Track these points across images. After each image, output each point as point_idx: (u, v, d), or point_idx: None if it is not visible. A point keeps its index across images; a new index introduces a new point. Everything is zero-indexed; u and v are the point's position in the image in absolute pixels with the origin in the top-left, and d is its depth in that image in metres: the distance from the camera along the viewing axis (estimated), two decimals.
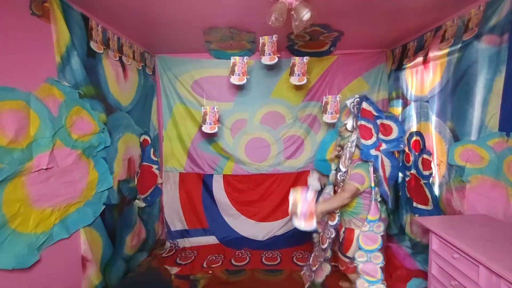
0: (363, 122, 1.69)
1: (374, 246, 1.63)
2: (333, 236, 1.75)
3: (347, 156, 1.71)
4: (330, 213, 1.73)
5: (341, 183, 1.71)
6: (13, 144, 1.22)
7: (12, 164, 1.21)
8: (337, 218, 1.71)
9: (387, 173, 1.75)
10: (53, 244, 1.45)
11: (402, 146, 1.77)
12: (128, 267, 2.12)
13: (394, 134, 1.77)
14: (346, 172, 1.70)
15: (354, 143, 1.70)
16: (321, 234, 1.87)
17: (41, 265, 1.37)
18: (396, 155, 2.57)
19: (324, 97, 2.43)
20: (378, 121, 1.75)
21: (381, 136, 1.74)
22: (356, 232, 1.69)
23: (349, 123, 1.77)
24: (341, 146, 1.83)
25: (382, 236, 1.65)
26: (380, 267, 1.63)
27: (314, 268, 1.89)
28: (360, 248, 1.65)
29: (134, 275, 2.08)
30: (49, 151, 1.39)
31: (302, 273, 2.09)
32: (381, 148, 1.70)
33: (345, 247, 1.74)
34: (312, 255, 1.97)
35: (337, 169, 1.80)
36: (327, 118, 2.44)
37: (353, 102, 1.79)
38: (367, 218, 1.63)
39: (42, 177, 1.38)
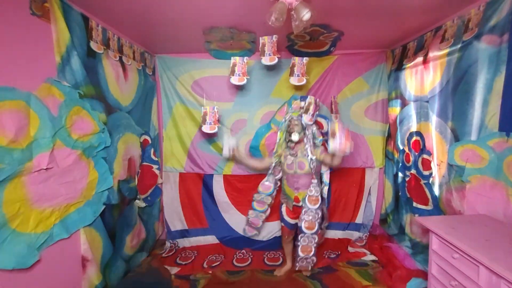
0: (319, 119, 2.38)
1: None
2: (320, 215, 2.09)
3: (312, 144, 2.12)
4: (311, 197, 2.07)
5: (313, 170, 2.08)
6: (13, 144, 1.22)
7: (12, 164, 1.21)
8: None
9: None
10: (53, 244, 1.45)
11: None
12: (128, 267, 2.12)
13: (326, 128, 2.40)
14: (315, 158, 2.09)
15: (315, 135, 2.18)
16: (304, 220, 2.06)
17: (41, 265, 1.37)
18: (396, 154, 2.57)
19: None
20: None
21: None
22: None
23: (307, 119, 2.14)
24: (291, 140, 2.13)
25: None
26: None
27: (310, 255, 2.08)
28: None
29: (134, 275, 2.09)
30: (49, 151, 1.39)
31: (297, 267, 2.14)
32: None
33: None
34: (300, 245, 2.08)
35: (288, 157, 2.15)
36: None
37: (312, 102, 2.16)
38: None
39: (42, 177, 1.38)
